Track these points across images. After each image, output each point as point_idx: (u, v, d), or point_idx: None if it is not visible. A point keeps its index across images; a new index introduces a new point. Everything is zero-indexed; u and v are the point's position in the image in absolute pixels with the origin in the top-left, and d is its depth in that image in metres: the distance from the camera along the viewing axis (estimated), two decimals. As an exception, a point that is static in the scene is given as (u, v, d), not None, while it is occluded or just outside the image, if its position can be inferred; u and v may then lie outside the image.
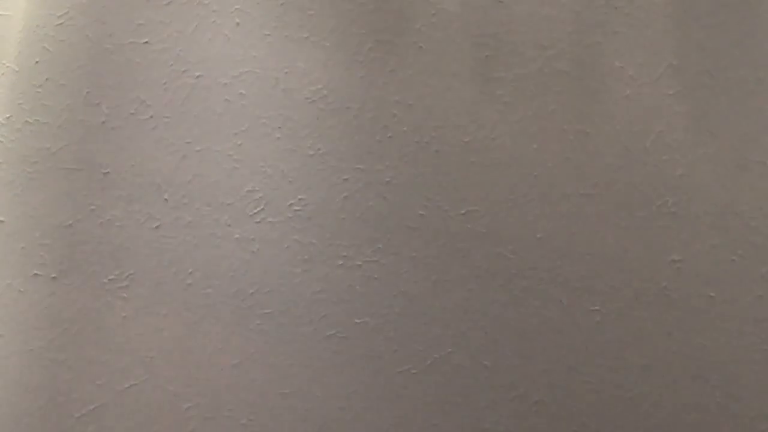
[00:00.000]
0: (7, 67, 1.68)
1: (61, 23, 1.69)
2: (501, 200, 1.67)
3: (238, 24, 1.70)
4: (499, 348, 1.64)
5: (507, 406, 1.62)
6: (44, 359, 1.61)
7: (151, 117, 1.67)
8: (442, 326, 1.64)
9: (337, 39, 1.70)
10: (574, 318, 1.64)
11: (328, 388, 1.62)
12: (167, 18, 1.69)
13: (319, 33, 1.70)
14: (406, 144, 1.68)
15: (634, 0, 1.72)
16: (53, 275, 1.63)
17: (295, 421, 1.61)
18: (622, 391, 1.63)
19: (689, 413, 1.62)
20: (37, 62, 1.68)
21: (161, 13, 1.70)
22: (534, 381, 1.63)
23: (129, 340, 1.61)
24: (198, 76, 1.68)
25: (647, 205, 1.67)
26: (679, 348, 1.64)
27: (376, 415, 1.62)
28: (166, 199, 1.65)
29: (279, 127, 1.67)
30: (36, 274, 1.63)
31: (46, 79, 1.67)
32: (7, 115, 1.66)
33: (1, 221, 1.64)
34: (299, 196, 1.66)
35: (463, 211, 1.67)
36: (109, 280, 1.63)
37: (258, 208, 1.65)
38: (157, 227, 1.64)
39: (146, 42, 1.69)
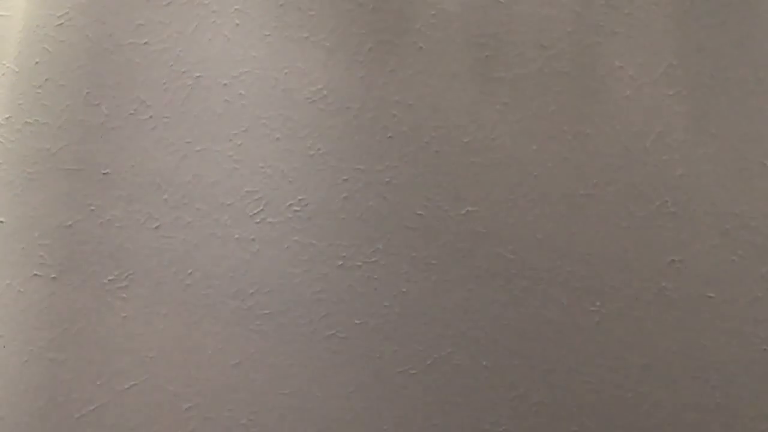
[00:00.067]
0: (7, 67, 1.68)
1: (61, 23, 1.69)
2: (501, 200, 1.67)
3: (237, 24, 1.70)
4: (499, 348, 1.64)
5: (507, 406, 1.62)
6: (44, 359, 1.61)
7: (151, 117, 1.67)
8: (442, 326, 1.64)
9: (337, 39, 1.70)
10: (574, 318, 1.64)
11: (328, 388, 1.62)
12: (167, 18, 1.69)
13: (319, 33, 1.70)
14: (406, 144, 1.68)
15: (634, 0, 1.72)
16: (53, 275, 1.63)
17: (295, 421, 1.61)
18: (622, 391, 1.63)
19: (689, 413, 1.62)
20: (36, 63, 1.68)
21: (161, 14, 1.70)
22: (534, 381, 1.63)
23: (129, 340, 1.62)
24: (198, 77, 1.68)
25: (647, 205, 1.67)
26: (679, 348, 1.64)
27: (376, 415, 1.62)
28: (166, 199, 1.65)
29: (279, 128, 1.67)
30: (36, 274, 1.63)
31: (46, 79, 1.67)
32: (7, 116, 1.67)
33: (1, 221, 1.64)
34: (299, 197, 1.66)
35: (463, 211, 1.67)
36: (109, 280, 1.63)
37: (258, 209, 1.65)
38: (157, 227, 1.64)
39: (146, 42, 1.69)
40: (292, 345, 1.63)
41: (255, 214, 1.65)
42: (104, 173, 1.66)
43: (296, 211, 1.66)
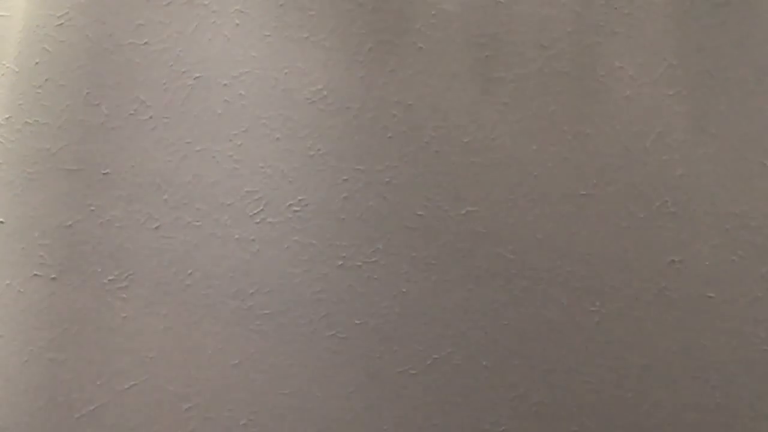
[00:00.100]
0: (7, 67, 1.68)
1: (61, 23, 1.69)
2: (501, 200, 1.67)
3: (237, 24, 1.70)
4: (499, 348, 1.64)
5: (507, 406, 1.62)
6: (44, 359, 1.61)
7: (151, 117, 1.67)
8: (442, 326, 1.64)
9: (337, 39, 1.70)
10: (574, 318, 1.64)
11: (328, 388, 1.62)
12: (167, 18, 1.69)
13: (319, 33, 1.70)
14: (406, 144, 1.68)
15: (634, 0, 1.72)
16: (53, 275, 1.63)
17: (295, 421, 1.61)
18: (622, 391, 1.63)
19: (689, 413, 1.62)
20: (36, 63, 1.68)
21: (161, 14, 1.70)
22: (534, 381, 1.63)
23: (129, 340, 1.62)
24: (198, 77, 1.68)
25: (647, 205, 1.67)
26: (679, 348, 1.64)
27: (376, 415, 1.62)
28: (166, 200, 1.65)
29: (279, 128, 1.67)
30: (36, 274, 1.63)
31: (46, 79, 1.67)
32: (7, 116, 1.67)
33: (1, 222, 1.64)
34: (299, 197, 1.66)
35: (463, 211, 1.67)
36: (109, 280, 1.63)
37: (258, 209, 1.65)
38: (157, 227, 1.64)
39: (146, 42, 1.69)
40: (292, 345, 1.63)
41: (255, 214, 1.65)
42: (104, 173, 1.66)
43: (296, 211, 1.66)
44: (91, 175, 1.66)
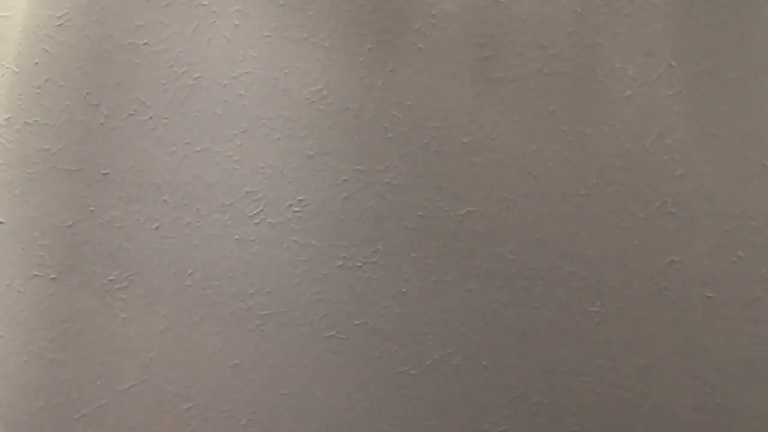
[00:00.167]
0: (7, 68, 1.68)
1: (60, 24, 1.69)
2: (501, 200, 1.67)
3: (237, 25, 1.70)
4: (499, 348, 1.64)
5: (507, 406, 1.62)
6: (44, 359, 1.61)
7: (151, 118, 1.67)
8: (442, 326, 1.64)
9: (337, 39, 1.70)
10: (574, 318, 1.64)
11: (328, 388, 1.62)
12: (167, 19, 1.69)
13: (318, 33, 1.70)
14: (406, 144, 1.68)
15: (634, 0, 1.72)
16: (53, 276, 1.63)
17: (295, 421, 1.61)
18: (622, 391, 1.63)
19: (689, 413, 1.62)
20: (36, 63, 1.68)
21: (161, 14, 1.70)
22: (534, 381, 1.63)
23: (129, 341, 1.62)
24: (197, 77, 1.68)
25: (647, 205, 1.67)
26: (679, 348, 1.63)
27: (376, 415, 1.62)
28: (165, 200, 1.65)
29: (279, 128, 1.67)
30: (36, 274, 1.63)
31: (46, 80, 1.68)
32: (7, 116, 1.67)
33: (1, 222, 1.64)
34: (299, 197, 1.66)
35: (463, 211, 1.67)
36: (109, 280, 1.63)
37: (258, 209, 1.65)
38: (156, 228, 1.65)
39: (146, 43, 1.69)
40: (292, 345, 1.63)
41: (255, 214, 1.65)
42: (104, 173, 1.66)
43: (296, 211, 1.66)
44: (91, 175, 1.66)
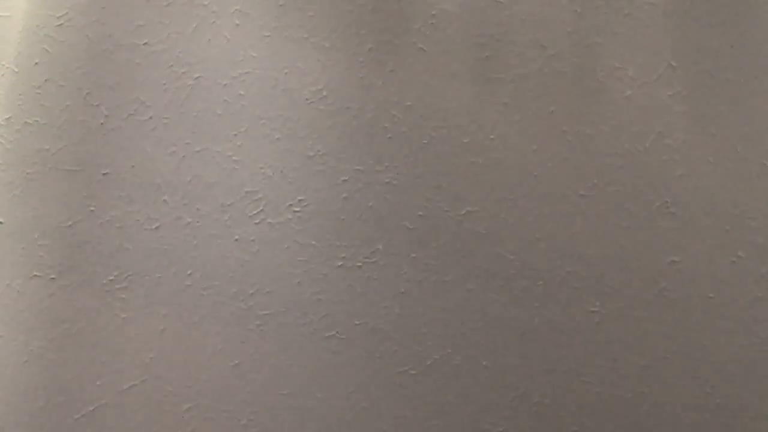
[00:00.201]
0: (7, 68, 1.68)
1: (60, 24, 1.69)
2: (501, 200, 1.67)
3: (237, 25, 1.70)
4: (499, 348, 1.64)
5: (507, 406, 1.62)
6: (44, 359, 1.61)
7: (151, 118, 1.67)
8: (442, 326, 1.64)
9: (337, 39, 1.70)
10: (574, 318, 1.64)
11: (328, 388, 1.62)
12: (167, 19, 1.69)
13: (318, 33, 1.70)
14: (406, 144, 1.68)
15: (634, 0, 1.72)
16: (53, 276, 1.63)
17: (295, 421, 1.61)
18: (622, 391, 1.63)
19: (689, 413, 1.62)
20: (36, 63, 1.68)
21: (161, 14, 1.70)
22: (534, 381, 1.63)
23: (129, 341, 1.62)
24: (197, 77, 1.68)
25: (647, 205, 1.67)
26: (679, 348, 1.64)
27: (376, 415, 1.62)
28: (165, 200, 1.65)
29: (279, 128, 1.67)
30: (36, 274, 1.63)
31: (46, 80, 1.68)
32: (7, 116, 1.67)
33: (1, 222, 1.64)
34: (299, 197, 1.66)
35: (463, 211, 1.67)
36: (109, 280, 1.63)
37: (257, 209, 1.65)
38: (156, 228, 1.65)
39: (146, 43, 1.69)
40: (292, 345, 1.63)
41: (255, 214, 1.65)
42: (104, 173, 1.66)
43: (296, 211, 1.66)
44: (91, 175, 1.66)
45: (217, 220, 1.65)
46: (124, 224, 1.64)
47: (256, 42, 1.69)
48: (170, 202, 1.65)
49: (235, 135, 1.67)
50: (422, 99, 1.69)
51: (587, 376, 1.63)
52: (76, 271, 1.63)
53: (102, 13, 1.70)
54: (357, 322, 1.64)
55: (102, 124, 1.67)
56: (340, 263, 1.65)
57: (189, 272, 1.64)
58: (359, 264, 1.65)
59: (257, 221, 1.65)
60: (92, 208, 1.65)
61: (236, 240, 1.64)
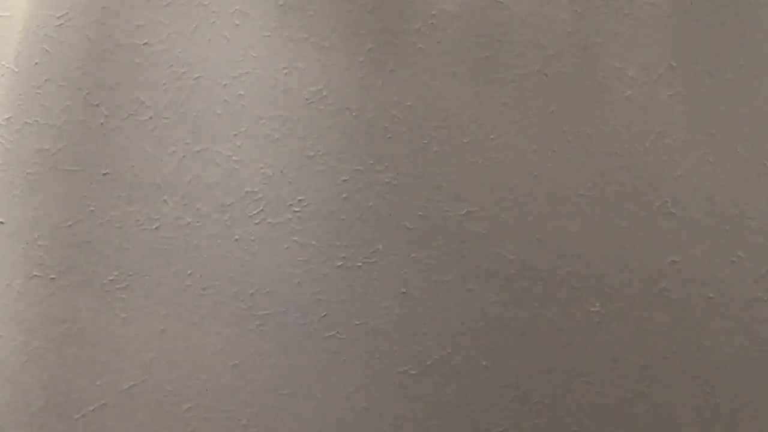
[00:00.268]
0: (7, 68, 1.68)
1: (60, 24, 1.69)
2: (501, 200, 1.67)
3: (237, 25, 1.70)
4: (499, 348, 1.64)
5: (507, 406, 1.62)
6: (44, 359, 1.61)
7: (151, 118, 1.67)
8: (442, 326, 1.64)
9: (337, 39, 1.70)
10: (574, 318, 1.64)
11: (328, 388, 1.62)
12: (167, 19, 1.69)
13: (318, 33, 1.70)
14: (406, 144, 1.68)
15: (634, 0, 1.72)
16: (53, 276, 1.63)
17: (295, 421, 1.61)
18: (622, 391, 1.63)
19: (689, 413, 1.62)
20: (36, 63, 1.68)
21: (161, 14, 1.70)
22: (534, 381, 1.63)
23: (129, 341, 1.62)
24: (197, 77, 1.68)
25: (647, 205, 1.67)
26: (679, 348, 1.64)
27: (376, 415, 1.62)
28: (165, 200, 1.65)
29: (279, 128, 1.67)
30: (36, 274, 1.63)
31: (46, 80, 1.68)
32: (7, 116, 1.67)
33: (1, 222, 1.64)
34: (299, 197, 1.66)
35: (463, 211, 1.67)
36: (109, 280, 1.63)
37: (257, 209, 1.65)
38: (156, 228, 1.65)
39: (146, 43, 1.69)
40: (292, 345, 1.63)
41: (255, 214, 1.65)
42: (104, 173, 1.66)
43: (296, 211, 1.66)
44: (91, 175, 1.66)
45: (217, 220, 1.65)
46: (124, 224, 1.64)
47: (256, 42, 1.69)
48: (170, 202, 1.65)
49: (235, 135, 1.67)
50: (422, 99, 1.69)
51: (587, 376, 1.63)
52: (76, 271, 1.63)
53: (102, 13, 1.70)
54: (357, 322, 1.64)
55: (102, 124, 1.67)
56: (340, 263, 1.65)
57: (189, 272, 1.64)
58: (359, 264, 1.65)
59: (257, 221, 1.65)
60: (92, 208, 1.65)
61: (236, 240, 1.64)
